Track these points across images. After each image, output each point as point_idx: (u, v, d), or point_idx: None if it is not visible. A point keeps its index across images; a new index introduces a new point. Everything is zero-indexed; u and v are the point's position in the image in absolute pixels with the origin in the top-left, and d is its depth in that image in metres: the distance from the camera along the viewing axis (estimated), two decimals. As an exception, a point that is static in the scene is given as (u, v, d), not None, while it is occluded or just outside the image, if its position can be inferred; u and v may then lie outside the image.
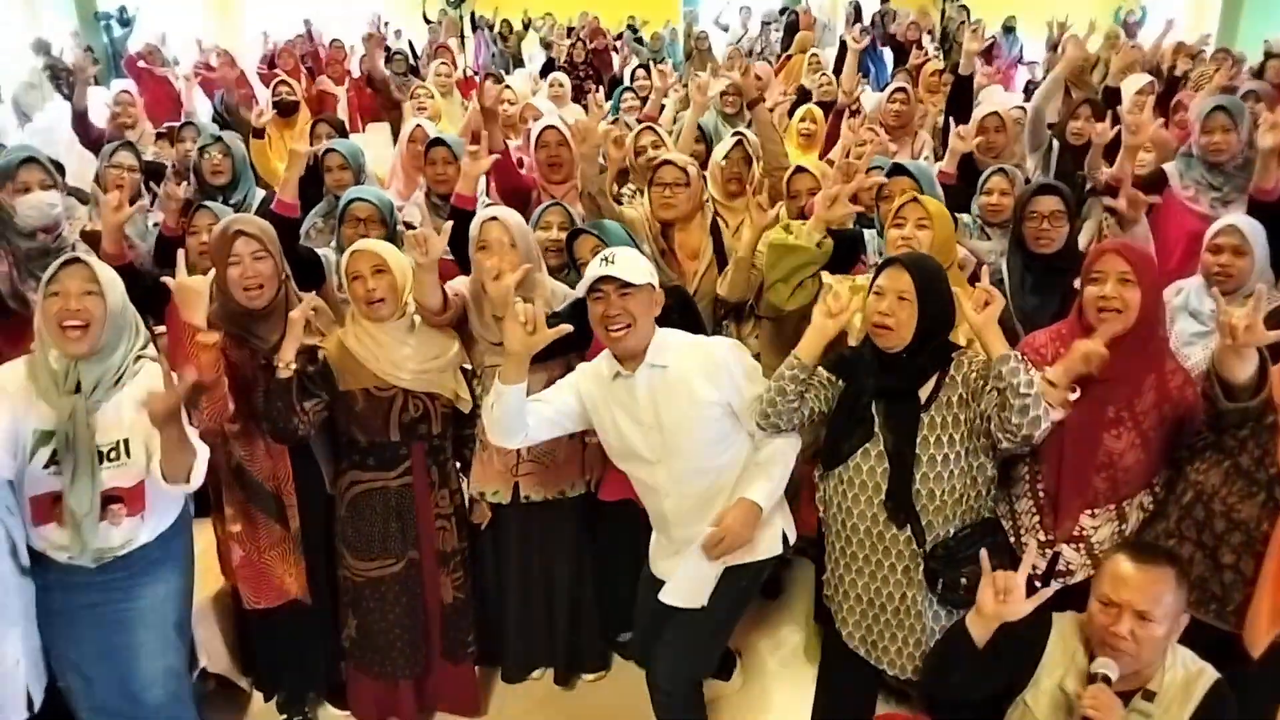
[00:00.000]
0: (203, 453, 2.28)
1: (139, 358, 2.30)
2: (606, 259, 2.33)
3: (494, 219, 2.79)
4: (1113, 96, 4.80)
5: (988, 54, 9.96)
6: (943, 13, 12.02)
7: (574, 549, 3.07)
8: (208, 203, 3.25)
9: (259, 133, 4.46)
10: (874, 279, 2.35)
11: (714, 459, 2.44)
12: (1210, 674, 2.01)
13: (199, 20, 11.97)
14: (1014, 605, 2.06)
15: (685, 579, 2.49)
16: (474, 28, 11.97)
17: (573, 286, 2.72)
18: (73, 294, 2.15)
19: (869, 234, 3.22)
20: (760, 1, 12.86)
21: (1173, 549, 2.24)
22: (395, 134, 5.70)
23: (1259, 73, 6.76)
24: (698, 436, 2.40)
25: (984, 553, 2.18)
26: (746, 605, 2.73)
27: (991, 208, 3.44)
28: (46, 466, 2.17)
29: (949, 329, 2.35)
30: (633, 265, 2.33)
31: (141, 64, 7.78)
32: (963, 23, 10.66)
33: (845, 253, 3.09)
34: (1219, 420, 2.27)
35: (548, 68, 9.02)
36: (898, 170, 3.21)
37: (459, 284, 2.93)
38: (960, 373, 2.29)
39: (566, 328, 2.34)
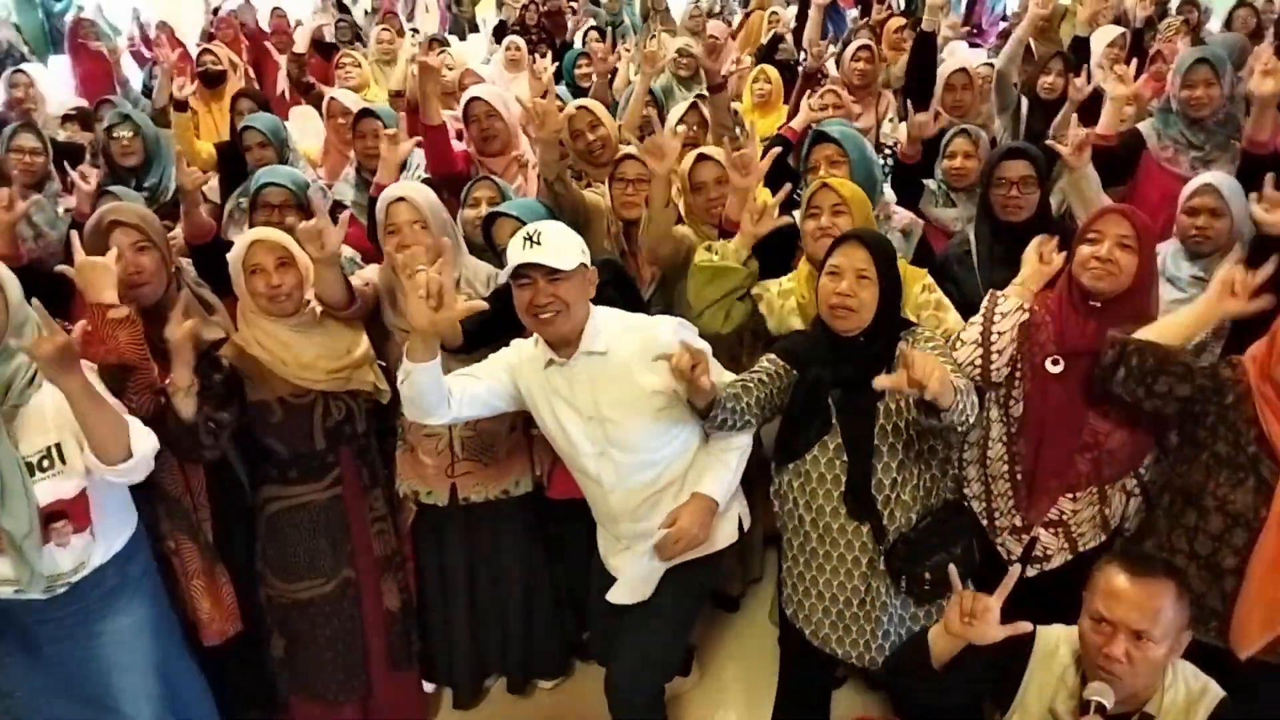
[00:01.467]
0: (138, 426, 2.05)
1: None
2: (530, 238, 2.07)
3: (401, 199, 2.55)
4: (1081, 49, 4.59)
5: (970, 11, 9.78)
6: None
7: (524, 550, 2.87)
8: (115, 188, 3.00)
9: (181, 105, 4.15)
10: (826, 258, 2.17)
11: (660, 450, 2.25)
12: (1215, 692, 1.84)
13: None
14: (981, 629, 1.88)
15: (633, 578, 2.33)
16: None
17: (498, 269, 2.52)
18: None
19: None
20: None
21: (1170, 560, 2.06)
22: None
23: (1227, 23, 6.58)
24: (642, 427, 2.20)
25: (953, 570, 2.01)
26: (705, 599, 2.60)
27: (955, 171, 3.27)
28: None
29: (899, 307, 2.23)
30: (561, 246, 2.08)
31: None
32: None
33: (783, 244, 2.82)
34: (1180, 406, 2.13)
35: (500, 31, 8.76)
36: (820, 138, 2.92)
37: (369, 273, 2.71)
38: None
39: (479, 304, 2.11)
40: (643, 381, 2.16)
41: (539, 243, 2.05)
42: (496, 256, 2.68)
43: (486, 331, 2.44)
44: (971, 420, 2.08)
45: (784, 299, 2.60)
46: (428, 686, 3.02)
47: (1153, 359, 2.09)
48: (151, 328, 2.30)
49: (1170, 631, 1.77)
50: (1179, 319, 2.20)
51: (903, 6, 9.82)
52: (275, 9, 8.21)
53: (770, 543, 3.34)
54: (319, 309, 2.50)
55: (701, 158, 2.94)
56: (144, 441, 2.05)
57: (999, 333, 2.29)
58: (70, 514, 2.03)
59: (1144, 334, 2.16)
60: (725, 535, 2.38)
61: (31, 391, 2.00)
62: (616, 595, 2.35)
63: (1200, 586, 2.12)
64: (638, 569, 2.31)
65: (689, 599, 2.43)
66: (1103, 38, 4.56)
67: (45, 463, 2.00)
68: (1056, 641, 1.95)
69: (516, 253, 2.07)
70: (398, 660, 2.79)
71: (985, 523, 2.42)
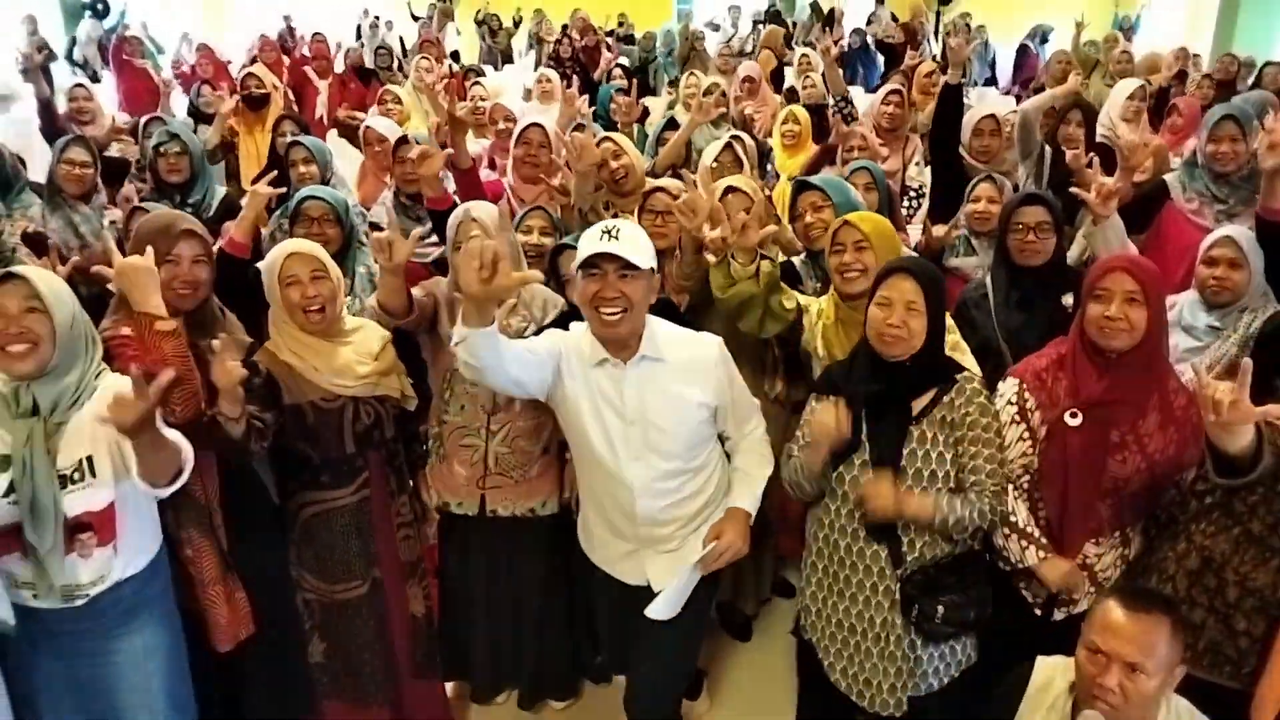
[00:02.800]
0: (185, 446, 2.07)
1: (99, 373, 2.11)
2: (609, 232, 2.10)
3: (473, 219, 2.66)
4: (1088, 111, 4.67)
5: (1021, 64, 9.91)
6: (938, 14, 11.97)
7: (544, 568, 2.93)
8: (146, 204, 3.08)
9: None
10: (874, 288, 2.23)
11: (692, 461, 2.32)
12: None
13: (185, 11, 11.84)
14: None
15: (675, 592, 2.33)
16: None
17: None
18: (11, 313, 1.95)
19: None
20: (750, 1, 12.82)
21: (1169, 595, 2.10)
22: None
23: (1257, 79, 6.66)
24: (682, 436, 2.27)
25: None
26: (711, 604, 2.66)
27: (979, 216, 3.32)
28: (5, 495, 1.97)
29: (944, 334, 2.27)
30: (637, 243, 2.13)
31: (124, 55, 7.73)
32: (966, 27, 10.54)
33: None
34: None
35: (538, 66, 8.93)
36: (803, 186, 3.02)
37: (432, 284, 2.81)
38: (961, 397, 2.20)
39: (535, 275, 2.10)
40: (692, 394, 2.24)
41: (617, 237, 2.09)
42: (560, 287, 2.79)
43: None
44: (970, 529, 2.21)
45: (817, 320, 2.69)
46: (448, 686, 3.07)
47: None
48: (189, 333, 2.32)
49: (1163, 665, 1.80)
50: None
51: (936, 53, 9.96)
52: (316, 34, 8.41)
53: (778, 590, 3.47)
54: (348, 317, 2.59)
55: (729, 190, 3.02)
56: (189, 462, 2.09)
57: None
58: (95, 527, 2.06)
59: None
60: None
61: (75, 410, 2.04)
62: (658, 612, 2.33)
63: (1217, 636, 2.16)
64: (678, 585, 2.32)
65: (696, 605, 2.47)
66: (1123, 89, 4.63)
67: (76, 475, 2.03)
68: (1053, 672, 1.99)
69: (592, 243, 2.10)
70: (421, 668, 2.85)
71: (1005, 568, 2.41)
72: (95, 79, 9.13)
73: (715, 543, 2.27)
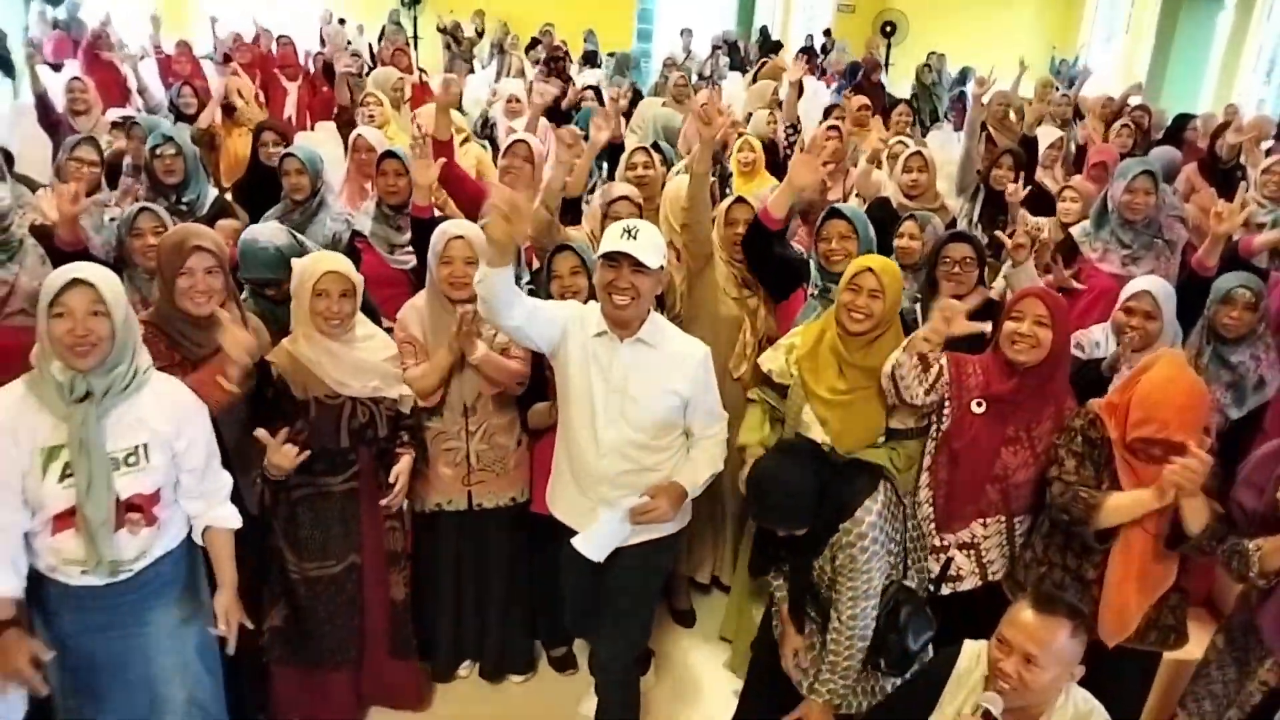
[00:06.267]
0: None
1: (147, 367, 2.27)
2: (629, 232, 2.45)
3: (459, 236, 2.87)
4: (1030, 147, 5.04)
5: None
6: (888, 47, 12.35)
7: (512, 554, 3.19)
8: (150, 205, 3.23)
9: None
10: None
11: (657, 440, 2.62)
12: (1100, 714, 2.15)
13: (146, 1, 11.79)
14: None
15: (600, 533, 2.60)
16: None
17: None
18: (79, 315, 2.10)
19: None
20: (703, 25, 13.13)
21: (1077, 605, 2.31)
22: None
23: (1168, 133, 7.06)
24: (654, 415, 2.58)
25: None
26: (664, 577, 2.96)
27: (903, 250, 3.61)
28: (61, 480, 2.11)
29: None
30: (651, 247, 2.46)
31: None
32: (927, 67, 10.73)
33: (788, 279, 3.29)
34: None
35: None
36: (834, 213, 3.29)
37: (418, 300, 3.03)
38: (838, 547, 2.46)
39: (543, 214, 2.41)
40: (672, 382, 2.58)
41: (635, 237, 2.43)
42: (547, 285, 3.07)
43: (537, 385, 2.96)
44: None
45: (790, 351, 2.97)
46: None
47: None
48: (204, 333, 2.58)
49: (1058, 661, 2.06)
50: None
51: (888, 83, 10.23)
52: (281, 37, 8.46)
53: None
54: (359, 326, 2.81)
55: (738, 200, 3.40)
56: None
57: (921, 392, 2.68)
58: (144, 508, 2.23)
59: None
60: (678, 522, 2.74)
61: (125, 397, 2.17)
62: (580, 542, 2.61)
63: (1075, 594, 2.54)
64: (605, 526, 2.58)
65: (652, 574, 2.80)
66: (1044, 139, 5.03)
67: (131, 459, 2.18)
68: (978, 656, 2.24)
69: (614, 240, 2.44)
70: (399, 649, 3.07)
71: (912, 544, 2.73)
72: (56, 68, 9.13)
73: (648, 499, 2.57)
